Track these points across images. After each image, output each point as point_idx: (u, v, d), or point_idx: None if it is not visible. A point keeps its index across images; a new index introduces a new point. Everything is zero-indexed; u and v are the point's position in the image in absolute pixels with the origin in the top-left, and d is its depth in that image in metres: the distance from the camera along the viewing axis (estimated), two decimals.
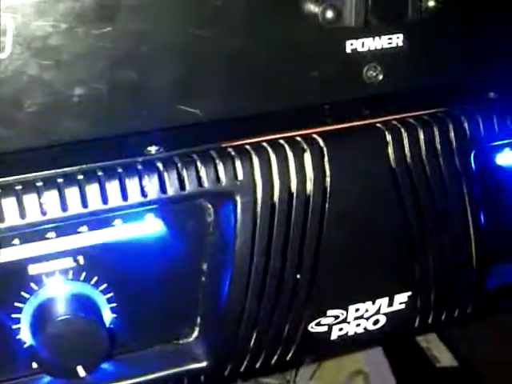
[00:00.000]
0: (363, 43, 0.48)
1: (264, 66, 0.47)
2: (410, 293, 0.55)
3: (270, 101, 0.49)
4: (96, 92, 0.43)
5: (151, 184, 0.46)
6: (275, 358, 0.54)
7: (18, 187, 0.44)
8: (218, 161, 0.47)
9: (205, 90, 0.47)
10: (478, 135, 0.53)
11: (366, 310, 0.54)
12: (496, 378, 0.87)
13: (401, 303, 0.55)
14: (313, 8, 0.45)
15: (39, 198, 0.44)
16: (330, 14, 0.45)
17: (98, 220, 0.46)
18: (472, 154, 0.53)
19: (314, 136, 0.49)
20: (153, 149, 0.47)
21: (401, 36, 0.48)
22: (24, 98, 0.42)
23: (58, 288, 0.48)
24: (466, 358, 0.90)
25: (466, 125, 0.52)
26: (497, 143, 0.55)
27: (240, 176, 0.48)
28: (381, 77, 0.49)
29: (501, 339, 0.89)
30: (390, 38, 0.48)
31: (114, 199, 0.46)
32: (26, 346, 0.48)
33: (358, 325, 0.55)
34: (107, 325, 0.49)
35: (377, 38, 0.48)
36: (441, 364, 0.91)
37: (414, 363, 0.92)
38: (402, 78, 0.50)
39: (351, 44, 0.47)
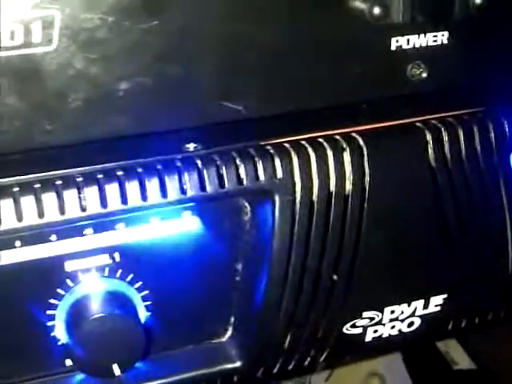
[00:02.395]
0: (408, 40, 0.47)
1: (307, 63, 0.46)
2: (445, 295, 0.54)
3: (312, 98, 0.48)
4: (140, 87, 0.43)
5: (190, 181, 0.46)
6: (308, 359, 0.53)
7: (58, 182, 0.43)
8: (257, 159, 0.47)
9: (247, 87, 0.46)
10: None
11: (402, 312, 0.54)
12: None
13: (436, 306, 0.54)
14: (359, 4, 0.45)
15: (79, 193, 0.44)
16: (377, 11, 0.44)
17: (136, 217, 0.46)
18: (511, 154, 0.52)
19: (354, 135, 0.49)
20: (191, 146, 0.47)
21: (446, 34, 0.48)
22: (69, 91, 0.41)
23: (93, 285, 0.47)
24: (484, 361, 0.90)
25: (505, 125, 0.52)
26: None
27: (279, 174, 0.47)
28: (425, 74, 0.48)
29: None
30: (435, 36, 0.47)
31: (153, 196, 0.45)
32: (60, 343, 0.48)
33: (393, 327, 0.54)
34: (142, 323, 0.48)
35: (422, 36, 0.47)
36: (459, 367, 0.91)
37: (431, 366, 0.92)
38: (445, 76, 0.50)
39: (397, 41, 0.47)
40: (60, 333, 0.47)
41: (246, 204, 0.49)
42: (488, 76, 0.51)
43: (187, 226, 0.48)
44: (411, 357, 0.92)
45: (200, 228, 0.48)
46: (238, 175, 0.46)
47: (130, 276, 0.48)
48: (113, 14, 0.40)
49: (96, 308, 0.46)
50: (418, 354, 0.93)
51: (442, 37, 0.48)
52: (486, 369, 0.90)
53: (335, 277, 0.50)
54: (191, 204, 0.47)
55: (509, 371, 0.88)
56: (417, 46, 0.47)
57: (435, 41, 0.48)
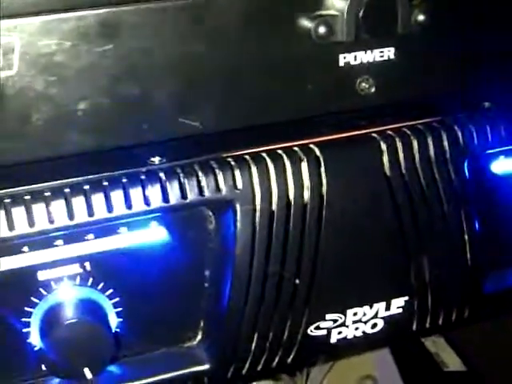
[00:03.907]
0: (355, 56, 0.49)
1: (261, 79, 0.49)
2: (406, 297, 0.56)
3: (268, 113, 0.50)
4: (99, 106, 0.45)
5: (154, 193, 0.48)
6: (276, 360, 0.56)
7: (27, 197, 0.46)
8: (217, 170, 0.49)
9: (204, 104, 0.49)
10: (471, 144, 0.54)
11: (364, 314, 0.56)
12: (504, 383, 0.88)
13: (398, 307, 0.56)
14: (306, 24, 0.47)
15: (47, 207, 0.46)
16: (322, 30, 0.47)
17: (104, 228, 0.48)
18: (465, 162, 0.54)
19: (311, 146, 0.51)
20: (156, 159, 0.49)
21: (392, 49, 0.50)
22: (31, 112, 0.44)
23: (66, 293, 0.49)
24: (474, 363, 0.91)
25: (459, 134, 0.54)
26: (491, 151, 0.56)
27: (239, 185, 0.49)
28: (373, 89, 0.51)
29: (509, 344, 0.90)
30: (381, 51, 0.50)
31: (119, 208, 0.48)
32: (35, 349, 0.50)
33: (357, 328, 0.56)
34: (113, 329, 0.50)
35: (369, 52, 0.49)
36: (449, 369, 0.92)
37: (422, 368, 0.93)
38: (394, 90, 0.52)
39: (344, 58, 0.49)
40: (35, 339, 0.49)
41: (210, 213, 0.51)
42: (438, 87, 0.53)
43: (154, 235, 0.50)
44: (403, 359, 0.94)
45: (167, 237, 0.51)
46: (200, 186, 0.49)
47: (101, 284, 0.50)
48: (69, 39, 0.43)
49: (68, 315, 0.49)
50: (409, 356, 0.94)
51: (389, 52, 0.50)
52: (476, 370, 0.91)
53: (297, 281, 0.53)
54: (157, 214, 0.49)
55: (498, 373, 0.89)
56: (364, 61, 0.50)
57: (382, 56, 0.50)
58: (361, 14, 0.46)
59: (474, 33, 0.53)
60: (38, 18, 0.42)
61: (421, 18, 0.48)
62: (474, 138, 0.54)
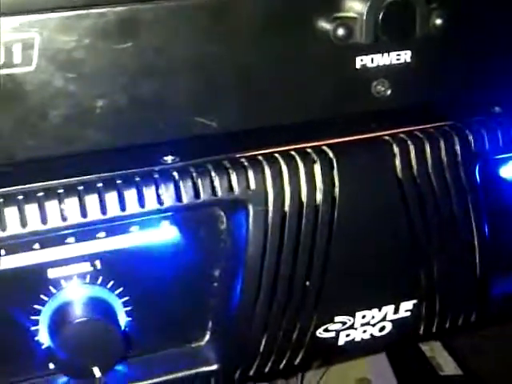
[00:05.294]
0: (372, 59, 0.49)
1: (276, 80, 0.49)
2: (415, 301, 0.56)
3: (283, 114, 0.50)
4: (117, 104, 0.45)
5: (167, 192, 0.48)
6: (284, 362, 0.56)
7: (40, 194, 0.46)
8: (231, 170, 0.49)
9: (220, 103, 0.48)
10: (482, 148, 0.54)
11: (373, 317, 0.56)
12: None
13: (406, 311, 0.56)
14: (325, 25, 0.47)
15: (60, 204, 0.46)
16: (341, 32, 0.47)
17: (116, 226, 0.48)
18: (477, 167, 0.55)
19: (324, 148, 0.51)
20: (169, 158, 0.49)
21: (409, 52, 0.50)
22: (49, 108, 0.44)
23: (75, 291, 0.49)
24: (470, 367, 0.91)
25: (470, 138, 0.54)
26: (501, 156, 0.56)
27: (252, 185, 0.49)
28: (389, 92, 0.51)
29: (505, 348, 0.90)
30: (398, 55, 0.50)
31: (132, 206, 0.47)
32: (43, 347, 0.50)
33: (365, 331, 0.56)
34: (122, 327, 0.50)
35: (386, 55, 0.50)
36: (445, 372, 0.92)
37: (418, 371, 0.93)
38: (409, 93, 0.52)
39: (361, 60, 0.49)
40: (43, 337, 0.49)
41: (222, 213, 0.51)
42: (452, 91, 0.54)
43: (166, 234, 0.50)
44: (398, 362, 0.94)
45: (178, 237, 0.51)
46: (213, 186, 0.49)
47: (111, 283, 0.50)
48: (88, 36, 0.43)
49: (77, 313, 0.48)
50: (404, 359, 0.94)
51: (405, 55, 0.50)
52: (471, 374, 0.91)
53: (307, 283, 0.53)
54: (169, 214, 0.49)
55: (494, 377, 0.90)
56: (380, 64, 0.50)
57: (398, 59, 0.50)
58: (380, 16, 0.46)
59: (489, 38, 0.53)
60: (57, 14, 0.42)
61: (438, 21, 0.48)
62: (485, 142, 0.54)
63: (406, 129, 0.53)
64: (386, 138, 0.52)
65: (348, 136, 0.52)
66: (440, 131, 0.53)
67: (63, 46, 0.43)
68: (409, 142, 0.52)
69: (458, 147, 0.54)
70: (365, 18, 0.46)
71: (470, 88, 0.54)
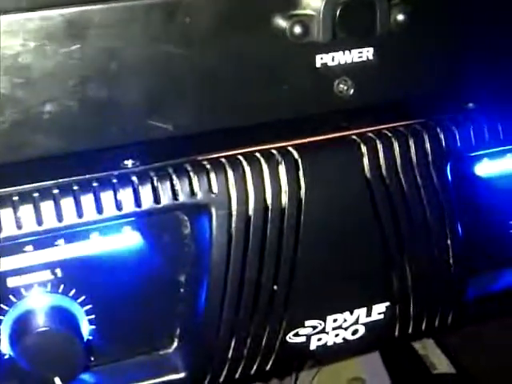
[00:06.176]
0: (333, 57, 0.48)
1: (235, 80, 0.48)
2: (388, 303, 0.55)
3: (244, 114, 0.49)
4: (67, 108, 0.44)
5: (126, 197, 0.47)
6: (254, 367, 0.54)
7: None
8: (192, 174, 0.48)
9: (175, 106, 0.47)
10: (454, 146, 0.53)
11: (344, 321, 0.55)
12: None
13: (379, 313, 0.55)
14: (282, 23, 0.46)
15: (15, 212, 0.45)
16: (297, 30, 0.45)
17: (75, 233, 0.47)
18: (448, 165, 0.53)
19: (289, 148, 0.50)
20: (129, 163, 0.48)
21: (371, 50, 0.49)
22: None
23: (36, 300, 0.48)
24: (463, 365, 0.90)
25: (441, 136, 0.53)
26: (475, 153, 0.55)
27: (215, 189, 0.48)
28: (352, 90, 0.49)
29: (498, 346, 0.89)
30: (360, 52, 0.49)
31: (90, 213, 0.46)
32: (5, 357, 0.49)
33: (337, 335, 0.55)
34: (86, 336, 0.49)
35: (347, 52, 0.48)
36: (438, 371, 0.91)
37: (411, 370, 0.93)
38: (373, 91, 0.51)
39: (321, 58, 0.48)
40: (4, 347, 0.48)
41: (186, 217, 0.50)
42: (419, 88, 0.52)
43: (128, 240, 0.49)
44: (392, 361, 0.93)
45: (141, 242, 0.50)
46: (174, 191, 0.48)
47: (73, 291, 0.49)
48: (34, 39, 0.42)
49: (39, 322, 0.48)
50: (398, 358, 0.93)
51: (367, 53, 0.49)
52: (464, 372, 0.90)
53: (275, 287, 0.51)
54: (130, 219, 0.48)
55: (487, 374, 0.89)
56: (342, 62, 0.48)
57: (360, 57, 0.49)
58: (337, 13, 0.45)
59: (455, 33, 0.52)
60: (1, 18, 0.41)
61: (400, 17, 0.47)
62: (456, 140, 0.53)
63: (373, 127, 0.51)
64: (354, 137, 0.51)
65: (313, 136, 0.51)
66: (410, 129, 0.52)
67: (8, 51, 0.41)
68: (377, 141, 0.51)
69: (428, 145, 0.52)
70: (321, 15, 0.45)
71: (438, 84, 0.53)
